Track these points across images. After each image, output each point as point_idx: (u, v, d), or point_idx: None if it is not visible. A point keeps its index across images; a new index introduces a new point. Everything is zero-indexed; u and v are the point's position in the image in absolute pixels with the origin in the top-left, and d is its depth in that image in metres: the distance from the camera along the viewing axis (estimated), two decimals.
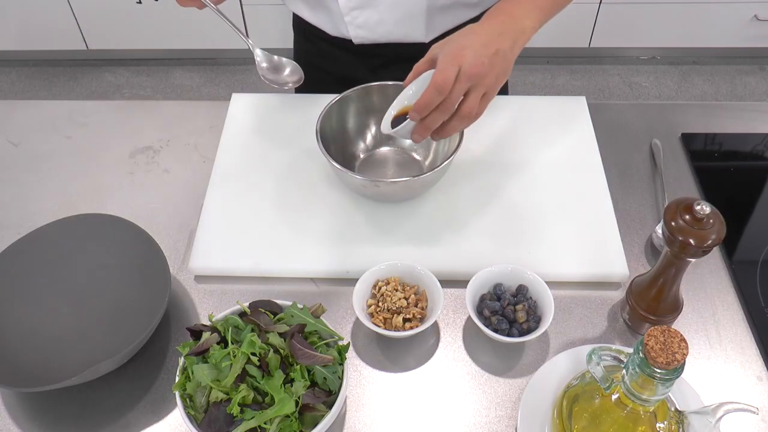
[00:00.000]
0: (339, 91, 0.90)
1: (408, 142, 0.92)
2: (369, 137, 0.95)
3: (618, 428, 0.58)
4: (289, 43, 1.16)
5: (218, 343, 0.67)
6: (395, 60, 1.02)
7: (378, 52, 1.02)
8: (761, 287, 0.80)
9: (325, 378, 0.65)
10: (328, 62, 1.09)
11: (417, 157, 0.94)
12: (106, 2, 2.44)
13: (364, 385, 0.73)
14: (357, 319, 0.76)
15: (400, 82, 0.89)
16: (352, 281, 0.77)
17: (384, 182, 0.82)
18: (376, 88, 0.91)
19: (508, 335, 0.73)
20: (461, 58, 0.70)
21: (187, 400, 0.64)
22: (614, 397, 0.58)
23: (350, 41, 1.01)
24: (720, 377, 0.73)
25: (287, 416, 0.62)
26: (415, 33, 0.99)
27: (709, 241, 0.63)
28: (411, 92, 0.78)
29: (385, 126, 0.79)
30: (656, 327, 0.53)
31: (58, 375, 0.70)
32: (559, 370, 0.71)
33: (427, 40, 1.00)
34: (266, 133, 0.99)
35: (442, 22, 0.99)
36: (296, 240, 0.85)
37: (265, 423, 0.61)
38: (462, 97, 0.72)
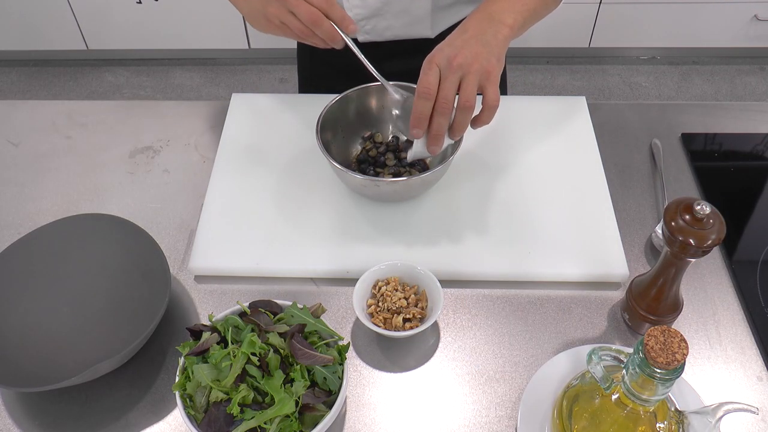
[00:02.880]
0: (343, 83, 0.90)
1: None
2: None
3: (618, 428, 0.58)
4: (291, 42, 1.16)
5: (218, 343, 0.67)
6: (400, 53, 1.03)
7: (382, 46, 1.02)
8: (761, 287, 0.80)
9: (325, 378, 0.65)
10: (332, 55, 1.09)
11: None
12: (106, 2, 2.44)
13: (364, 385, 0.73)
14: (357, 319, 0.76)
15: (401, 82, 0.89)
16: (352, 281, 0.77)
17: (384, 182, 0.82)
18: (376, 88, 0.91)
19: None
20: (437, 57, 0.72)
21: (187, 400, 0.64)
22: (614, 397, 0.58)
23: (355, 38, 1.01)
24: (720, 377, 0.73)
25: (287, 416, 0.62)
26: (420, 32, 1.00)
27: (709, 241, 0.63)
28: None
29: (409, 154, 0.80)
30: (656, 327, 0.53)
31: (58, 375, 0.70)
32: (559, 370, 0.71)
33: (433, 36, 1.01)
34: (266, 133, 0.99)
35: (446, 18, 1.01)
36: (296, 240, 0.85)
37: (265, 423, 0.61)
38: (458, 92, 0.72)
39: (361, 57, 0.79)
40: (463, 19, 1.01)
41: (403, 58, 1.03)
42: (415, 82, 0.78)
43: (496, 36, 0.75)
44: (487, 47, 0.73)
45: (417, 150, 0.77)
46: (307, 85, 1.18)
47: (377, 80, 0.89)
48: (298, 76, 1.22)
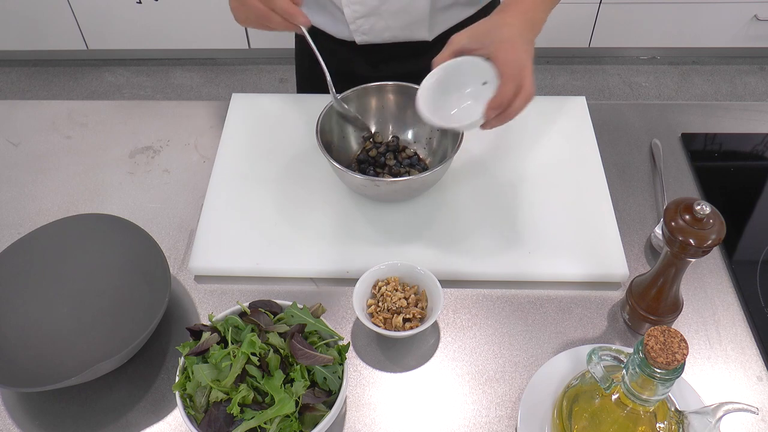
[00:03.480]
0: (340, 86, 0.90)
1: (410, 136, 0.94)
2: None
3: (618, 428, 0.58)
4: (291, 42, 1.16)
5: (218, 343, 0.67)
6: (397, 56, 1.03)
7: (380, 48, 1.02)
8: (761, 287, 0.80)
9: (325, 378, 0.65)
10: (330, 57, 1.10)
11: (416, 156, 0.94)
12: (106, 2, 2.44)
13: (364, 385, 0.73)
14: (357, 319, 0.77)
15: (400, 82, 0.89)
16: (352, 281, 0.77)
17: (384, 182, 0.82)
18: (374, 88, 0.91)
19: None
20: (521, 78, 0.72)
21: (187, 400, 0.64)
22: (614, 397, 0.58)
23: (353, 41, 1.01)
24: (720, 377, 0.73)
25: (287, 416, 0.62)
26: (418, 34, 1.00)
27: (709, 241, 0.63)
28: (434, 79, 0.76)
29: (440, 118, 0.76)
30: (656, 327, 0.53)
31: (58, 375, 0.70)
32: (559, 370, 0.71)
33: (430, 39, 1.01)
34: (266, 133, 0.99)
35: (443, 21, 1.01)
36: (296, 240, 0.85)
37: (265, 423, 0.61)
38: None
39: (314, 49, 0.83)
40: (459, 23, 1.01)
41: (400, 61, 1.03)
42: (414, 83, 0.78)
43: (533, 37, 0.76)
44: (530, 46, 0.75)
45: (469, 125, 0.74)
46: (306, 86, 1.18)
47: (376, 81, 0.90)
48: (296, 77, 1.22)
